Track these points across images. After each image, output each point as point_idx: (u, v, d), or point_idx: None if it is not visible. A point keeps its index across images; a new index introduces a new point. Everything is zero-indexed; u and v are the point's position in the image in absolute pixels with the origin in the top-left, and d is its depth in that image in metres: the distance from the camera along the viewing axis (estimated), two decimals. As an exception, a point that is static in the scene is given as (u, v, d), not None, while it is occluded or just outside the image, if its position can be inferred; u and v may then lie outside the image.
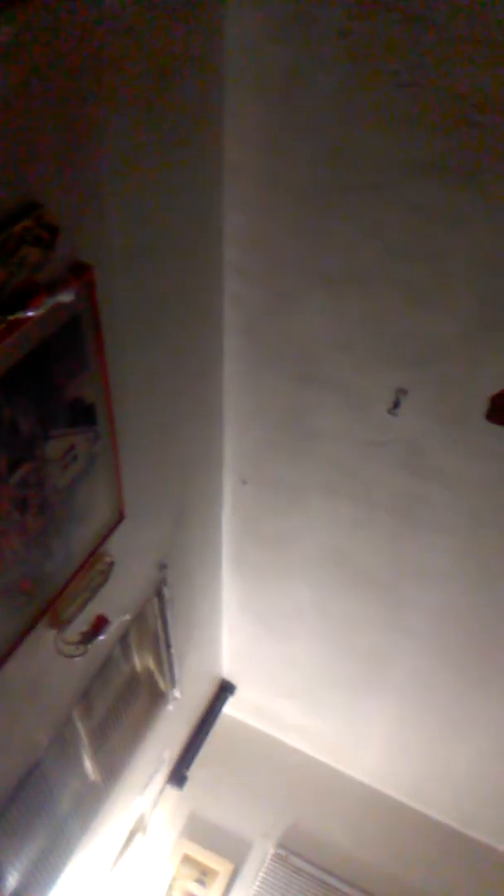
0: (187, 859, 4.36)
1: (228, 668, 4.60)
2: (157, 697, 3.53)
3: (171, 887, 4.29)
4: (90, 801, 3.13)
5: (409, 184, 1.99)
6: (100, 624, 2.33)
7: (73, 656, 2.23)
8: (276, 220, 2.24)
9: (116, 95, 1.59)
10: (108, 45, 1.50)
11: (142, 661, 3.24)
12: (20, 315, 1.45)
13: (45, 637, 2.14)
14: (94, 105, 1.53)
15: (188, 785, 4.45)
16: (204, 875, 4.33)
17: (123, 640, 2.90)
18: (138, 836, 4.06)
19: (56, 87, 1.40)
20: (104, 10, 1.46)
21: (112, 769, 3.24)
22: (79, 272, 1.62)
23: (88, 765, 2.95)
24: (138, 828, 4.06)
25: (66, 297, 1.56)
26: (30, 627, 2.01)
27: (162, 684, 3.48)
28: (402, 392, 2.44)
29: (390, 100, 1.86)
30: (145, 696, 3.45)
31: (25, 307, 1.46)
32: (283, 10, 1.83)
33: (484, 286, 2.08)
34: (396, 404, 2.47)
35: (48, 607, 2.06)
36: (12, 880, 2.67)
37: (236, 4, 1.86)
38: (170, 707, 3.65)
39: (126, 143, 1.69)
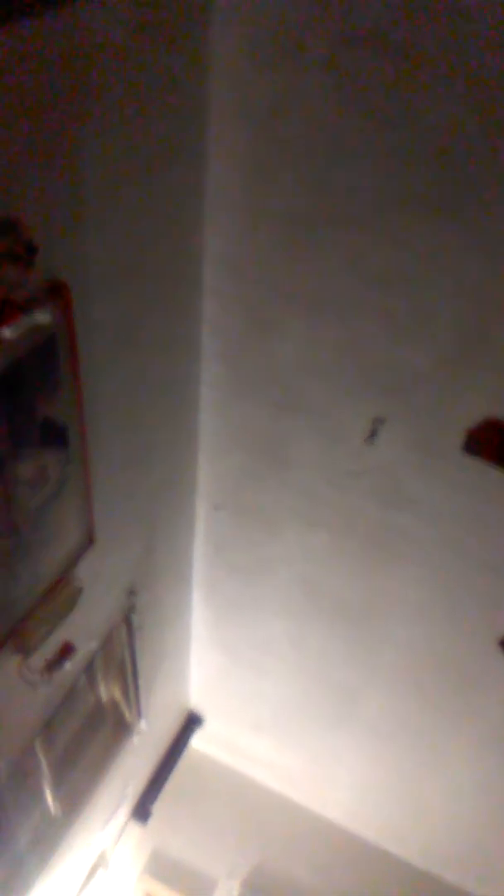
0: (149, 897, 4.26)
1: (197, 699, 4.54)
2: (122, 729, 3.47)
3: (131, 927, 4.18)
4: (50, 835, 3.05)
5: (390, 216, 2.01)
6: (66, 651, 2.30)
7: (37, 684, 2.19)
8: (257, 246, 2.25)
9: (100, 118, 1.60)
10: (93, 68, 1.51)
11: (108, 690, 3.18)
12: (-5, 333, 1.43)
13: (9, 663, 2.09)
14: (77, 127, 1.53)
15: (152, 820, 4.37)
16: (165, 914, 4.23)
17: (89, 668, 2.85)
18: (99, 873, 3.96)
19: (40, 108, 1.40)
20: (91, 34, 1.47)
21: (73, 802, 3.17)
22: (56, 292, 1.61)
23: (49, 797, 2.88)
24: (100, 864, 3.96)
25: (42, 316, 1.55)
26: (-7, 653, 1.96)
27: (128, 715, 3.42)
28: (378, 422, 2.45)
29: (373, 132, 1.88)
30: (110, 727, 3.39)
31: (1, 325, 1.44)
32: (269, 40, 1.85)
33: (462, 319, 2.10)
34: (373, 434, 2.48)
35: (12, 633, 2.02)
36: (-35, 918, 2.58)
37: (221, 32, 1.88)
38: (135, 739, 3.58)
39: (108, 165, 1.69)
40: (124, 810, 4.13)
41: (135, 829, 4.33)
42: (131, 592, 2.84)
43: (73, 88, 1.48)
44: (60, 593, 2.19)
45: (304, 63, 1.85)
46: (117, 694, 3.26)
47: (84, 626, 2.45)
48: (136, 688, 3.28)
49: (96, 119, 1.58)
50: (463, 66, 1.70)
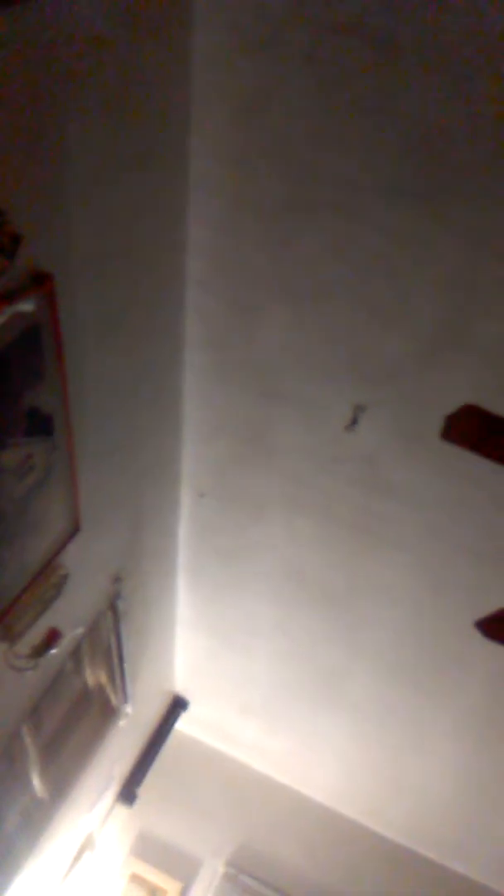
0: (136, 878, 4.29)
1: (182, 683, 4.56)
2: (108, 713, 3.48)
3: (118, 907, 4.22)
4: (37, 818, 3.06)
5: (371, 205, 2.02)
6: (52, 637, 2.30)
7: (23, 670, 2.19)
8: (241, 235, 2.25)
9: (83, 108, 1.59)
10: (77, 57, 1.51)
11: (94, 675, 3.19)
12: (-22, 322, 1.43)
13: (-5, 650, 2.10)
14: (60, 116, 1.53)
15: (138, 802, 4.38)
16: (153, 894, 4.26)
17: (75, 653, 2.86)
18: (86, 855, 3.98)
19: (22, 97, 1.39)
20: (74, 23, 1.46)
21: (60, 786, 3.18)
22: (40, 281, 1.61)
23: (36, 781, 2.89)
24: (87, 846, 3.98)
25: (26, 305, 1.55)
26: (-21, 640, 1.97)
27: (114, 699, 3.43)
28: (360, 409, 2.46)
29: (355, 121, 1.89)
30: (96, 711, 3.40)
31: (-16, 314, 1.45)
32: (252, 32, 1.85)
33: (441, 307, 2.12)
34: (355, 421, 2.50)
35: (-1, 619, 2.03)
36: (-46, 900, 2.60)
37: (204, 24, 1.87)
38: (121, 723, 3.60)
39: (92, 155, 1.68)
40: (111, 793, 4.14)
41: (121, 811, 4.35)
42: (117, 578, 2.85)
43: (56, 78, 1.47)
44: (46, 580, 2.19)
45: (287, 53, 1.84)
46: (103, 679, 3.27)
47: (70, 613, 2.45)
48: (122, 672, 3.29)
49: (79, 109, 1.58)
50: (443, 55, 1.71)
